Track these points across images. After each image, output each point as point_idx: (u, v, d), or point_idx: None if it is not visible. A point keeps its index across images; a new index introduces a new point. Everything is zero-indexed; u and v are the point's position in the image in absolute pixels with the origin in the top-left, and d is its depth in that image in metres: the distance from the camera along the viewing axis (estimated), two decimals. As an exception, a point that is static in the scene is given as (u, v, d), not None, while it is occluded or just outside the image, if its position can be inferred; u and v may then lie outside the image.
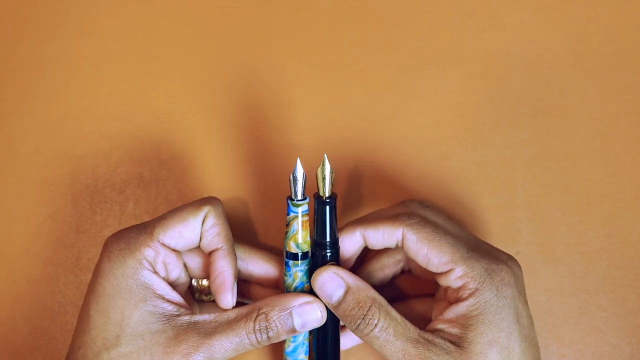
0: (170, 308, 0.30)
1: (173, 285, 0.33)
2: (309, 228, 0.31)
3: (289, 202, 0.31)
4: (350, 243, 0.32)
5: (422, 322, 0.31)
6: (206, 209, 0.31)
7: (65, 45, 0.42)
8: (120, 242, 0.30)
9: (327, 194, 0.30)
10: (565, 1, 0.41)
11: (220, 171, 0.40)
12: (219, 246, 0.32)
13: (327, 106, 0.40)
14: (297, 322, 0.30)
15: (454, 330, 0.30)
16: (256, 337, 0.29)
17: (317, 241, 0.31)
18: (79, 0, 0.43)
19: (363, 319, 0.29)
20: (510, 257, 0.32)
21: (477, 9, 0.41)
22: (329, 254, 0.31)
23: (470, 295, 0.29)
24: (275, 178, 0.39)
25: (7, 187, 0.40)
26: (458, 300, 0.30)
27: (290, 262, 0.31)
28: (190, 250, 0.33)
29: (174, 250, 0.31)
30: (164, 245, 0.31)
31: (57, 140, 0.41)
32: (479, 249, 0.31)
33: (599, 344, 0.37)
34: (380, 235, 0.31)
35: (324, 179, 0.29)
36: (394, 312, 0.30)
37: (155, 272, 0.30)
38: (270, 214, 0.39)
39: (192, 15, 0.42)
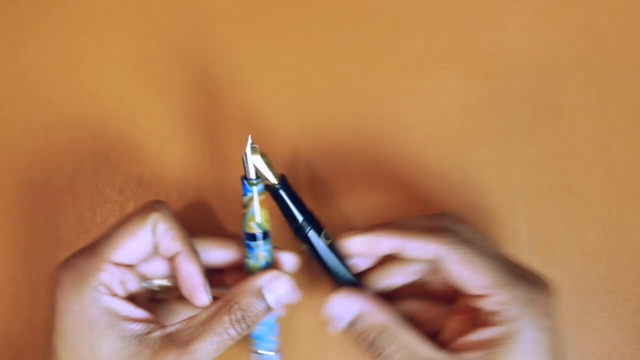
0: (139, 327, 0.28)
1: (133, 297, 0.31)
2: (267, 206, 0.30)
3: (244, 182, 0.29)
4: (378, 247, 0.31)
5: (427, 330, 0.30)
6: (153, 217, 0.30)
7: (65, 45, 0.42)
8: (70, 273, 0.29)
9: (275, 181, 0.29)
10: (565, 1, 0.41)
11: (220, 170, 0.40)
12: (178, 250, 0.30)
13: (327, 106, 0.40)
14: (270, 300, 0.30)
15: (476, 354, 0.28)
16: (236, 330, 0.29)
17: (293, 226, 0.31)
18: (79, 1, 0.43)
19: (370, 345, 0.29)
20: (546, 281, 0.30)
21: (477, 9, 0.41)
22: (310, 231, 0.31)
23: (506, 322, 0.28)
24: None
25: (7, 187, 0.40)
26: (488, 323, 0.28)
27: (252, 244, 0.30)
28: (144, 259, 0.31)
29: (127, 265, 0.30)
30: (116, 264, 0.29)
31: (57, 140, 0.41)
32: (516, 273, 0.29)
33: (599, 344, 0.37)
34: (417, 247, 0.30)
35: (266, 164, 0.29)
36: (404, 335, 0.29)
37: (114, 295, 0.29)
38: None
39: (193, 16, 0.42)
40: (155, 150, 0.40)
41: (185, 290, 0.31)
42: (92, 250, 0.29)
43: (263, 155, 0.29)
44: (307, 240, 0.31)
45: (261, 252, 0.30)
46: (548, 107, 0.40)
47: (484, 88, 0.40)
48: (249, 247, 0.30)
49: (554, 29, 0.41)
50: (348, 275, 0.32)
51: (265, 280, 0.30)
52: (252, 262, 0.31)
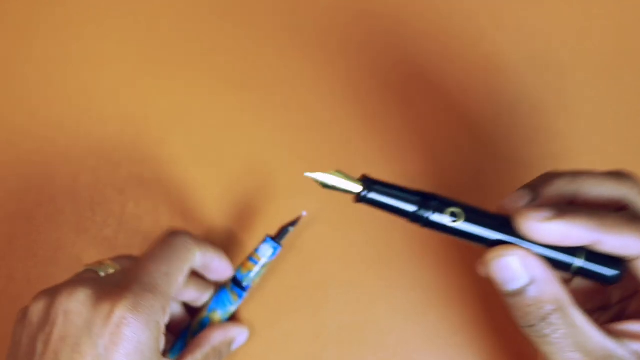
0: None
1: None
2: None
3: (277, 244, 0.34)
4: (567, 240, 0.25)
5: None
6: (196, 252, 0.31)
7: (66, 45, 0.42)
8: (142, 314, 0.28)
9: (359, 189, 0.25)
10: (565, 1, 0.41)
11: (221, 170, 0.40)
12: (211, 260, 0.33)
13: (327, 109, 0.40)
14: (235, 347, 0.35)
15: None
16: None
17: (408, 219, 0.26)
18: (79, 1, 0.43)
19: (541, 321, 0.24)
20: None
21: (477, 9, 0.41)
22: (433, 215, 0.25)
23: None
24: (277, 176, 0.39)
25: (7, 187, 0.40)
26: None
27: (244, 294, 0.35)
28: None
29: None
30: (171, 301, 0.31)
31: (57, 140, 0.41)
32: None
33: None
34: (617, 245, 0.25)
35: (343, 178, 0.25)
36: (577, 316, 0.25)
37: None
38: (273, 215, 0.39)
39: (193, 15, 0.42)
40: (156, 150, 0.40)
41: (215, 276, 0.34)
42: (155, 288, 0.29)
43: (334, 175, 0.25)
44: (434, 225, 0.26)
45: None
46: (548, 107, 0.40)
47: (484, 88, 0.40)
48: (241, 296, 0.35)
49: (554, 29, 0.41)
50: (506, 239, 0.26)
51: (237, 333, 0.35)
52: (233, 309, 0.35)
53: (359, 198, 0.25)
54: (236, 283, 0.34)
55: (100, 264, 0.33)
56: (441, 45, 0.41)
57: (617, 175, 0.28)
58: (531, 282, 0.25)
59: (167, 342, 0.33)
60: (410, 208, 0.25)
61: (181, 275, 0.30)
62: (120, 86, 0.41)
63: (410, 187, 0.26)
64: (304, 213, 0.35)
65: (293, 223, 0.34)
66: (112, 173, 0.40)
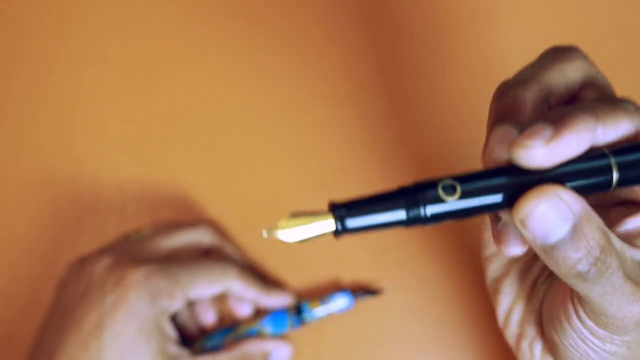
0: (175, 350, 0.32)
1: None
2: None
3: (354, 300, 0.35)
4: (572, 152, 0.20)
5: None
6: (232, 280, 0.33)
7: (66, 45, 0.42)
8: (149, 286, 0.31)
9: (333, 225, 0.20)
10: (565, 1, 0.41)
11: (221, 170, 0.40)
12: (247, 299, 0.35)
13: (328, 109, 0.40)
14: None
15: None
16: None
17: (404, 225, 0.20)
18: (79, 1, 0.43)
19: (595, 264, 0.19)
20: None
21: (477, 9, 0.41)
22: (427, 208, 0.20)
23: None
24: (277, 175, 0.39)
25: (8, 187, 0.40)
26: None
27: (303, 325, 0.35)
28: None
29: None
30: (184, 297, 0.33)
31: (58, 141, 0.41)
32: None
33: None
34: (616, 133, 0.21)
35: (308, 227, 0.20)
36: (616, 240, 0.20)
37: (169, 317, 0.32)
38: (273, 214, 0.39)
39: (194, 15, 0.42)
40: (156, 151, 0.40)
41: (245, 311, 0.36)
42: (173, 274, 0.32)
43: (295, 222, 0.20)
44: (435, 218, 0.21)
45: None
46: (548, 107, 0.40)
47: (484, 88, 0.40)
48: (296, 326, 0.35)
49: (554, 29, 0.41)
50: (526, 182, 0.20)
51: (275, 346, 0.35)
52: (284, 332, 0.35)
53: (338, 233, 0.20)
54: (299, 314, 0.35)
55: (138, 230, 0.36)
56: (440, 45, 0.41)
57: (563, 55, 0.25)
58: (575, 225, 0.19)
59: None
60: (401, 215, 0.20)
61: (205, 284, 0.33)
62: (120, 86, 0.41)
63: (384, 191, 0.21)
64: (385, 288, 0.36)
65: (374, 292, 0.36)
66: (112, 173, 0.40)
